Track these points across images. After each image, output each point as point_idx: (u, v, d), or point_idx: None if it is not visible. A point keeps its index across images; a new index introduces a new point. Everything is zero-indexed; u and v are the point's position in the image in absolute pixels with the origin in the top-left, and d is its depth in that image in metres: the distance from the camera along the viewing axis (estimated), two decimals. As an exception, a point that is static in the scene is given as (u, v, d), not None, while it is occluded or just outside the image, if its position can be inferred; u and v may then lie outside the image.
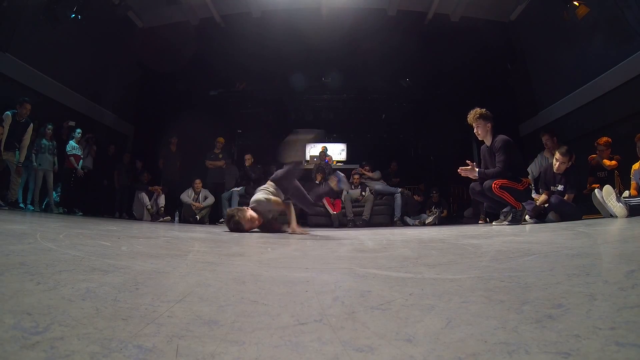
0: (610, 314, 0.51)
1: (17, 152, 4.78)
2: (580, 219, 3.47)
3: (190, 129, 7.21)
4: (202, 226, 4.83)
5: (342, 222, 5.95)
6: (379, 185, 6.41)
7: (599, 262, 0.99)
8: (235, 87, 8.83)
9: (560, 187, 3.64)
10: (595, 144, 4.55)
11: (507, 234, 2.17)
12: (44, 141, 5.38)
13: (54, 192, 5.87)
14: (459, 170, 3.46)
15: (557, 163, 3.61)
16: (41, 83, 5.83)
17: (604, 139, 4.53)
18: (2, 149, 4.62)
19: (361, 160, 7.34)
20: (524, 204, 3.36)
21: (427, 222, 6.10)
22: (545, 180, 3.80)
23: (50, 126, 5.46)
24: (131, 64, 8.03)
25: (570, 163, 3.63)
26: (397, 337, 0.47)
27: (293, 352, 0.43)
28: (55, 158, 5.52)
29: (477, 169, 3.40)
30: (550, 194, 3.68)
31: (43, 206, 5.47)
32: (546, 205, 3.63)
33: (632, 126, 4.57)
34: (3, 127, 4.56)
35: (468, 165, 3.42)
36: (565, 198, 3.55)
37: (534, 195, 3.89)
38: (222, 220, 6.13)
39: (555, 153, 3.70)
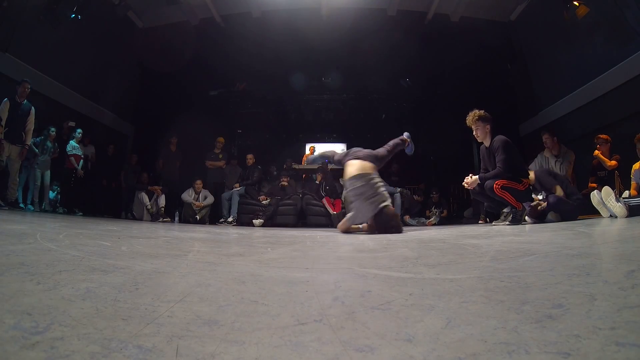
0: (610, 314, 0.51)
1: (21, 147, 4.76)
2: (576, 218, 3.47)
3: (190, 129, 7.21)
4: (202, 226, 4.82)
5: (342, 222, 5.95)
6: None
7: (599, 262, 0.99)
8: (235, 87, 8.83)
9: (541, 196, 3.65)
10: (595, 139, 4.57)
11: (507, 234, 2.17)
12: (48, 143, 5.50)
13: (50, 192, 5.92)
14: (464, 184, 3.50)
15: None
16: (41, 83, 5.84)
17: (604, 135, 4.55)
18: (4, 138, 4.51)
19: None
20: (524, 204, 3.37)
21: (428, 222, 6.10)
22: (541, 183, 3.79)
23: (53, 129, 5.55)
24: (131, 64, 8.03)
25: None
26: (397, 337, 0.47)
27: (293, 352, 0.43)
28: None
29: (477, 175, 3.42)
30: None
31: (43, 206, 5.49)
32: (544, 203, 3.61)
33: (632, 126, 4.57)
34: (1, 117, 4.47)
35: (469, 177, 3.45)
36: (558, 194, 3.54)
37: (534, 196, 3.89)
38: (222, 220, 6.13)
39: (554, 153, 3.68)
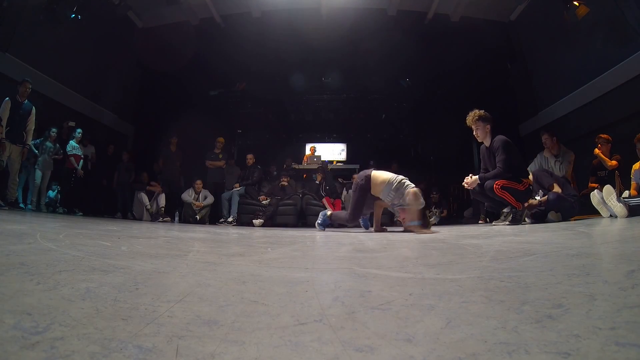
0: (610, 314, 0.51)
1: (22, 147, 4.76)
2: (574, 215, 3.48)
3: (190, 129, 7.21)
4: (202, 226, 4.83)
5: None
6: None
7: (599, 262, 0.99)
8: (235, 87, 8.84)
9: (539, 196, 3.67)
10: (596, 139, 4.57)
11: (507, 234, 2.17)
12: (48, 144, 5.49)
13: (50, 192, 5.90)
14: (464, 184, 3.50)
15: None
16: (41, 83, 5.84)
17: (605, 135, 4.56)
18: (5, 137, 4.48)
19: (361, 161, 7.35)
20: (524, 204, 3.37)
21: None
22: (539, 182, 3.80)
23: (54, 130, 5.56)
24: (131, 64, 8.04)
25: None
26: (397, 337, 0.47)
27: (293, 352, 0.43)
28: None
29: (477, 175, 3.42)
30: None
31: (40, 207, 5.49)
32: (543, 202, 3.62)
33: (632, 126, 4.58)
34: (1, 117, 4.47)
35: (469, 177, 3.45)
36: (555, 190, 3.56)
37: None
38: (222, 220, 6.13)
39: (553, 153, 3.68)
